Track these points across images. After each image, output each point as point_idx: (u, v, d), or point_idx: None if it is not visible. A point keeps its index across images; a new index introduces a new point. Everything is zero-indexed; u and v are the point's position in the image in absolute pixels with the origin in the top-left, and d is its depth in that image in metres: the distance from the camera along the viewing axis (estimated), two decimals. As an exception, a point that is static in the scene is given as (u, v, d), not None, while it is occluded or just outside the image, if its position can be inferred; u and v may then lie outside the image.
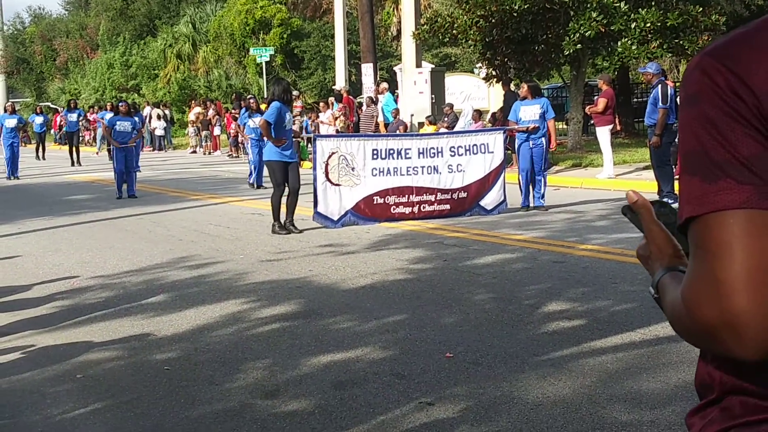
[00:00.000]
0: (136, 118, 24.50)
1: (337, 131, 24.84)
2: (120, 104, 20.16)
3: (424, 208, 13.49)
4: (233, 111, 31.33)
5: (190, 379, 6.06)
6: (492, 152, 13.90)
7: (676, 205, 1.69)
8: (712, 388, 1.48)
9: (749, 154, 1.30)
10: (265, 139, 13.12)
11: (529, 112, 14.34)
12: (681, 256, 1.57)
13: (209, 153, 34.90)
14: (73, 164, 30.79)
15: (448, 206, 13.63)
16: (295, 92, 32.13)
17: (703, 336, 1.33)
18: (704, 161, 1.33)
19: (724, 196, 1.30)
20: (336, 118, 25.85)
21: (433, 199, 13.53)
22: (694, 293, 1.32)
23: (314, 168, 13.02)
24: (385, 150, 13.28)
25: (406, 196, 13.36)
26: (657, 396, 5.28)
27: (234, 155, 31.62)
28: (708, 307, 1.29)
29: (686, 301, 1.34)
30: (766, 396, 1.40)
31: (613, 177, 18.35)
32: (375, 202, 13.20)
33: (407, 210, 13.39)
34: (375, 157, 13.23)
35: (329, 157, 12.94)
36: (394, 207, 13.32)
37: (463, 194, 13.71)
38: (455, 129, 22.17)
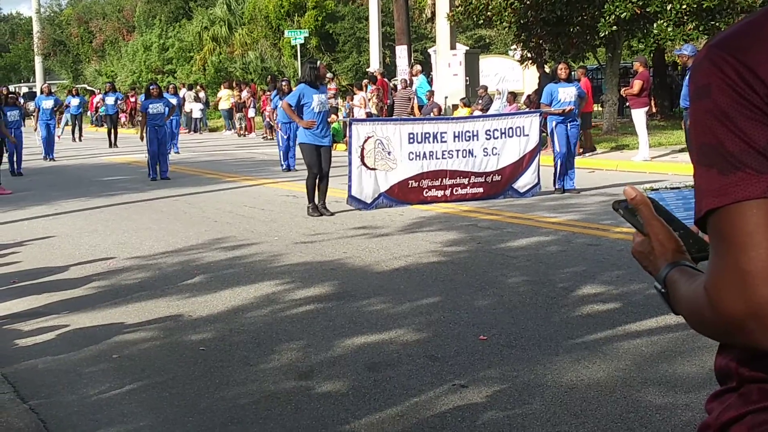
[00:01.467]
0: (173, 100, 24.70)
1: (368, 114, 24.77)
2: (151, 87, 20.25)
3: (456, 191, 13.46)
4: (268, 93, 31.37)
5: (224, 360, 6.10)
6: (527, 135, 13.83)
7: (671, 194, 1.69)
8: (731, 377, 1.49)
9: (766, 144, 1.29)
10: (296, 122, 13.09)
11: (568, 93, 14.23)
12: (683, 251, 1.58)
13: (244, 135, 34.98)
14: (110, 146, 30.97)
15: (481, 189, 13.59)
16: (329, 74, 32.17)
17: (728, 328, 1.32)
18: (721, 153, 1.32)
19: (744, 186, 1.29)
20: (368, 100, 25.80)
21: (466, 182, 13.50)
22: (719, 286, 1.31)
23: (349, 152, 13.00)
24: (421, 134, 13.25)
25: (440, 179, 13.34)
26: (692, 380, 5.26)
27: (269, 137, 31.65)
28: (734, 299, 1.28)
29: (711, 295, 1.33)
30: None
31: (649, 159, 18.22)
32: (409, 186, 13.19)
33: (440, 193, 13.37)
34: (411, 141, 13.19)
35: (365, 141, 12.92)
36: (427, 190, 13.31)
37: (497, 177, 13.66)
38: (490, 111, 22.09)
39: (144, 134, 19.30)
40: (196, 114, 37.98)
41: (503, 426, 4.68)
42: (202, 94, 39.21)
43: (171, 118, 21.87)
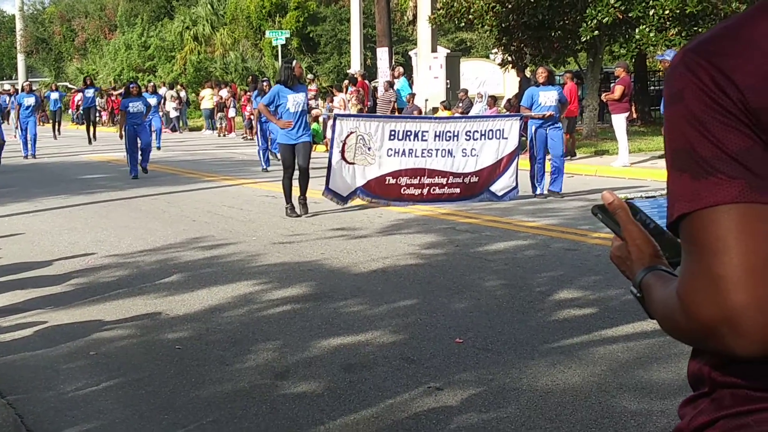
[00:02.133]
0: (153, 99, 24.64)
1: (349, 115, 24.76)
2: (131, 86, 20.26)
3: (434, 190, 13.48)
4: (249, 93, 31.31)
5: (200, 358, 6.09)
6: (506, 138, 13.84)
7: (645, 203, 1.69)
8: (704, 382, 1.50)
9: (738, 149, 1.30)
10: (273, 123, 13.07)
11: (548, 97, 14.21)
12: (660, 256, 1.57)
13: (224, 135, 34.91)
14: (90, 142, 30.81)
15: (458, 190, 13.60)
16: (309, 75, 32.13)
17: (701, 334, 1.32)
18: (693, 158, 1.33)
19: (716, 191, 1.30)
20: (348, 101, 25.80)
21: (444, 182, 13.51)
22: (692, 291, 1.31)
23: (331, 146, 13.01)
24: (403, 131, 13.26)
25: (418, 177, 13.36)
26: (667, 386, 5.28)
27: (249, 137, 31.61)
28: (706, 304, 1.28)
29: (683, 300, 1.33)
30: (756, 387, 1.41)
31: (628, 165, 18.28)
32: (387, 182, 13.20)
33: (417, 192, 13.39)
34: (392, 137, 13.21)
35: (347, 136, 12.92)
36: (405, 188, 13.33)
37: (474, 179, 13.68)
38: (470, 114, 22.12)
39: (123, 132, 19.31)
40: (173, 113, 37.88)
41: (478, 429, 4.70)
42: (183, 93, 39.13)
43: (150, 116, 21.85)
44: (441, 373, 5.65)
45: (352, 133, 12.96)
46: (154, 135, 24.35)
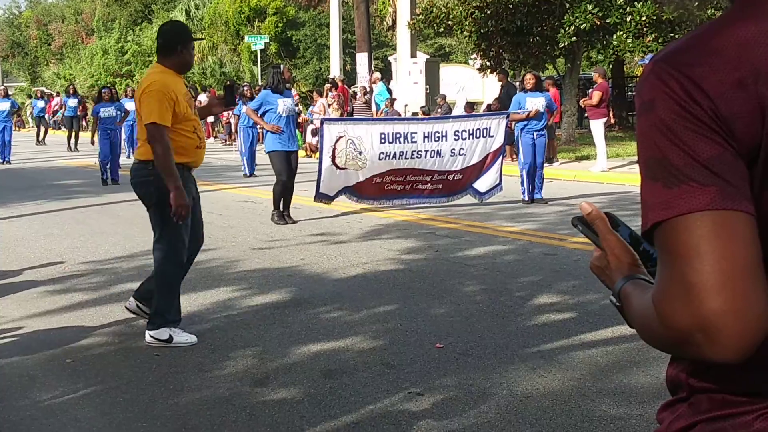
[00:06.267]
0: (131, 104, 24.46)
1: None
2: (103, 90, 20.21)
3: (417, 186, 13.49)
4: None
5: (179, 365, 6.06)
6: (492, 136, 13.82)
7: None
8: (682, 387, 1.52)
9: (709, 156, 1.31)
10: (258, 127, 13.01)
11: (534, 104, 14.20)
12: (639, 265, 1.59)
13: (202, 140, 34.82)
14: (69, 149, 30.59)
15: (440, 186, 13.61)
16: (289, 81, 32.05)
17: (677, 342, 1.32)
18: (665, 167, 1.33)
19: (689, 199, 1.30)
20: (329, 105, 25.77)
21: (428, 179, 13.52)
22: (666, 299, 1.31)
23: (320, 152, 12.95)
24: (392, 134, 13.20)
25: (404, 176, 13.36)
26: (646, 390, 5.29)
27: (228, 143, 31.55)
28: (681, 312, 1.29)
29: (658, 308, 1.33)
30: (732, 392, 1.43)
31: (606, 170, 18.37)
32: (373, 182, 13.17)
33: (399, 187, 13.39)
34: (383, 141, 13.16)
35: (336, 141, 12.86)
36: (389, 185, 13.32)
37: (458, 176, 13.66)
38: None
39: (95, 138, 19.28)
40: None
41: (458, 434, 4.68)
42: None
43: (128, 121, 21.80)
44: (421, 378, 5.63)
45: (341, 137, 12.90)
46: (124, 144, 24.06)
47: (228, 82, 8.02)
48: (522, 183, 14.28)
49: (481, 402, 5.16)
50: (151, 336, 6.53)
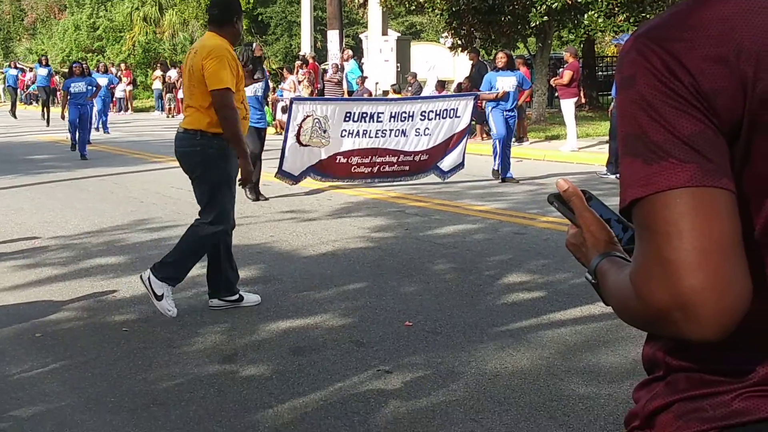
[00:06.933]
0: (104, 80, 24.25)
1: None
2: (74, 65, 20.07)
3: (383, 168, 13.45)
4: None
5: (147, 341, 6.04)
6: (459, 117, 13.85)
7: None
8: (659, 366, 1.51)
9: (690, 133, 1.30)
10: None
11: (505, 83, 14.22)
12: (615, 242, 1.58)
13: (173, 116, 34.60)
14: (48, 123, 30.11)
15: (407, 167, 13.60)
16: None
17: (654, 319, 1.31)
18: (645, 143, 1.32)
19: (668, 175, 1.29)
20: (299, 82, 25.66)
21: (394, 161, 13.49)
22: (644, 276, 1.30)
23: (286, 129, 12.89)
24: (359, 113, 13.14)
25: (370, 157, 13.31)
26: (615, 369, 5.32)
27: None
28: (659, 289, 1.27)
29: (636, 285, 1.32)
30: (710, 371, 1.42)
31: (576, 150, 18.42)
32: (338, 161, 13.10)
33: (366, 170, 13.35)
34: (347, 119, 13.10)
35: (303, 120, 12.79)
36: (356, 167, 13.28)
37: (424, 157, 13.67)
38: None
39: (65, 113, 19.19)
40: (119, 94, 37.41)
41: (427, 412, 4.70)
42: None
43: (99, 98, 21.63)
44: (390, 356, 5.65)
45: (308, 116, 12.82)
46: (95, 120, 23.87)
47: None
48: (495, 154, 14.30)
49: (450, 380, 5.18)
50: (149, 279, 6.51)
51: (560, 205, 1.66)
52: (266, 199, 12.39)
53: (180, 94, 34.64)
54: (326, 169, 13.11)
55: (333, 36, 30.68)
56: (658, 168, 1.30)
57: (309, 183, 13.30)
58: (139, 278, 6.66)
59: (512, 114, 14.31)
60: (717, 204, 1.28)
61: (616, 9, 20.51)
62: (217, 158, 6.47)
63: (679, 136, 1.30)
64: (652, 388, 1.52)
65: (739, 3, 1.34)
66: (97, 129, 24.97)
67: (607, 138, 18.47)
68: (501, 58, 14.58)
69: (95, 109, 23.75)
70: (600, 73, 31.01)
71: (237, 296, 6.86)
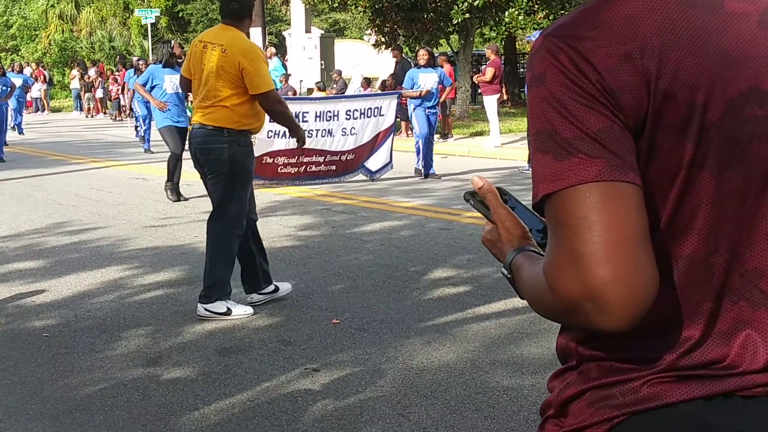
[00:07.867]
0: (19, 80, 23.78)
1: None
2: None
3: (310, 168, 13.44)
4: (117, 74, 30.70)
5: (69, 346, 5.92)
6: (383, 115, 13.90)
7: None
8: (572, 356, 1.56)
9: (598, 129, 1.33)
10: (150, 102, 12.88)
11: (427, 80, 14.32)
12: (529, 237, 1.62)
13: (92, 116, 34.13)
14: None
15: (334, 167, 13.61)
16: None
17: (566, 311, 1.34)
18: (555, 139, 1.35)
19: (578, 171, 1.32)
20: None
21: (321, 161, 13.48)
22: (556, 269, 1.33)
23: None
24: None
25: (296, 157, 13.26)
26: (538, 361, 5.37)
27: (118, 118, 30.99)
28: (570, 281, 1.30)
29: (549, 277, 1.34)
30: (620, 359, 1.46)
31: (500, 146, 18.57)
32: (264, 162, 13.02)
33: (293, 170, 13.30)
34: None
35: None
36: (282, 167, 13.22)
37: (351, 156, 13.70)
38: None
39: None
40: (35, 93, 36.78)
41: (354, 408, 4.69)
42: (46, 73, 38.04)
43: (14, 97, 21.21)
44: (318, 354, 5.62)
45: None
46: (10, 119, 23.40)
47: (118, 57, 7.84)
48: (417, 153, 14.38)
49: (377, 376, 5.17)
50: (206, 309, 6.43)
51: (476, 202, 1.70)
52: (186, 199, 12.25)
53: (99, 94, 34.21)
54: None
55: (255, 33, 30.48)
56: (568, 164, 1.33)
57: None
58: (197, 315, 6.53)
59: (434, 111, 14.44)
60: (625, 198, 1.31)
61: (536, 6, 20.75)
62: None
63: (588, 133, 1.33)
64: (565, 377, 1.57)
65: (644, 1, 1.38)
66: (14, 129, 24.51)
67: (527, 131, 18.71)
68: (423, 56, 14.69)
69: (10, 109, 23.28)
70: (522, 69, 31.30)
71: (273, 287, 6.86)
